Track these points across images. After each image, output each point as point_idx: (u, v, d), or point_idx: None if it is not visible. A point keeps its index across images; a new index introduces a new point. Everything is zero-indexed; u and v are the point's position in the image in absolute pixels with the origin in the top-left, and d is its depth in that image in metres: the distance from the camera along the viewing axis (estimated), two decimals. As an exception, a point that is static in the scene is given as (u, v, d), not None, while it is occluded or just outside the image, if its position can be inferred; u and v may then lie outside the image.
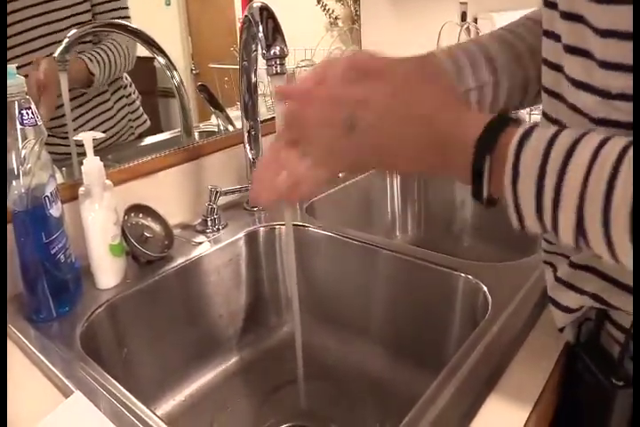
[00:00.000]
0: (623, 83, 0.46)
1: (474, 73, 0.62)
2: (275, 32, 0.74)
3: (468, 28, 1.66)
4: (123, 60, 1.07)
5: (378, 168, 0.54)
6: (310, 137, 0.51)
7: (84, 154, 0.81)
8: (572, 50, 0.51)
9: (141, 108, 1.16)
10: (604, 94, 0.48)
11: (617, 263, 0.43)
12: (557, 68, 0.54)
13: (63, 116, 1.00)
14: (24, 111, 0.69)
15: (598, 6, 0.45)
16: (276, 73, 0.72)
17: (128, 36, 1.06)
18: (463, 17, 1.87)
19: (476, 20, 1.84)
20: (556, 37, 0.54)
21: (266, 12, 0.76)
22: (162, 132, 1.19)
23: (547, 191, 0.43)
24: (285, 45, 0.73)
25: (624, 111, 0.47)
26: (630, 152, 0.40)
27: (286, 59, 0.74)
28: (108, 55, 1.04)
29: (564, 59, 0.52)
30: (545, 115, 0.59)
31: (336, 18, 1.50)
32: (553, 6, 0.53)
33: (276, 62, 0.72)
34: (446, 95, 0.51)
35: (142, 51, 1.08)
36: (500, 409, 0.58)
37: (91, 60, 1.02)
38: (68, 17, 0.98)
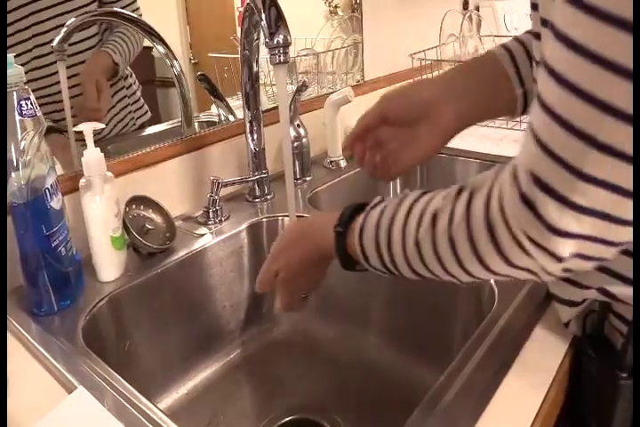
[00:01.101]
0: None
1: (528, 74, 0.67)
2: (278, 20, 0.72)
3: (470, 17, 1.64)
4: (136, 48, 1.08)
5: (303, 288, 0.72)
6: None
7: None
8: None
9: (142, 98, 1.14)
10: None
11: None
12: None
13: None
14: (23, 102, 0.68)
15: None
16: (279, 62, 0.71)
17: (127, 25, 1.05)
18: (465, 5, 1.85)
19: (478, 8, 1.83)
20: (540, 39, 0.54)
21: (268, 0, 0.74)
22: (161, 122, 1.17)
23: (389, 266, 0.57)
24: (289, 33, 0.71)
25: None
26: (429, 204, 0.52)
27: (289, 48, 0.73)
28: (127, 44, 1.05)
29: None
30: None
31: (336, 6, 1.48)
32: (535, 8, 0.54)
33: (279, 51, 0.70)
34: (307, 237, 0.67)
35: (140, 40, 1.07)
36: (509, 403, 0.57)
37: (114, 51, 1.03)
38: (81, 7, 0.96)
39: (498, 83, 0.67)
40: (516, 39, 0.70)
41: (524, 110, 0.68)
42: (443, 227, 0.49)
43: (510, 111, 0.69)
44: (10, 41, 0.90)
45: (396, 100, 0.68)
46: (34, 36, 0.93)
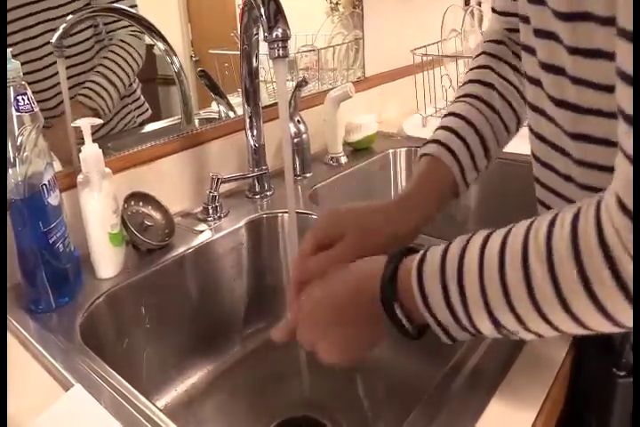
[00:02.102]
0: (592, 100, 0.48)
1: (474, 165, 0.68)
2: (277, 14, 0.71)
3: (471, 12, 1.63)
4: (128, 71, 1.06)
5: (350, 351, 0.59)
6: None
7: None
8: (547, 67, 0.52)
9: (142, 96, 1.14)
10: (577, 109, 0.50)
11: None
12: (537, 82, 0.56)
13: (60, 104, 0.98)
14: (20, 97, 0.67)
15: (565, 24, 0.47)
16: (279, 56, 0.70)
17: (127, 21, 1.04)
18: (467, 0, 1.84)
19: (479, 4, 1.81)
20: (532, 52, 0.55)
21: (268, -6, 0.73)
22: (162, 119, 1.17)
23: (457, 308, 0.47)
24: (288, 27, 0.71)
25: (595, 126, 0.49)
26: (513, 233, 0.44)
27: (289, 42, 0.72)
28: (109, 80, 1.02)
29: (541, 75, 0.54)
30: (530, 129, 0.62)
31: (337, 3, 1.47)
32: (527, 21, 0.55)
33: (278, 45, 0.69)
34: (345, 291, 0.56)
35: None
36: (510, 402, 0.56)
37: (90, 97, 1.00)
38: (68, 3, 0.95)
39: (445, 188, 0.68)
40: (455, 115, 0.70)
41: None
42: (539, 262, 0.41)
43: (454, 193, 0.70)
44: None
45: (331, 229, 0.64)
46: (22, 29, 0.92)
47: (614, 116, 0.45)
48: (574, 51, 0.47)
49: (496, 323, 0.45)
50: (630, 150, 0.36)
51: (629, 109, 0.36)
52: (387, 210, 0.65)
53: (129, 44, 1.05)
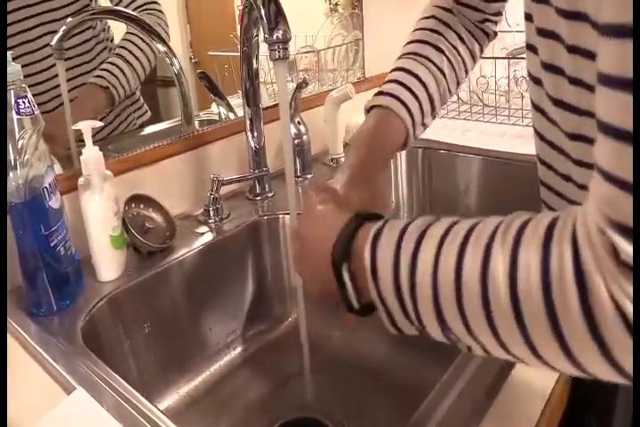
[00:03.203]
0: (587, 100, 0.47)
1: (423, 125, 0.71)
2: (277, 15, 0.71)
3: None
4: (145, 66, 1.06)
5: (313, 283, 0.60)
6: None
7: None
8: (548, 67, 0.52)
9: (141, 98, 1.14)
10: (574, 110, 0.49)
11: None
12: (538, 82, 0.56)
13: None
14: (20, 100, 0.67)
15: (566, 22, 0.46)
16: (279, 58, 0.70)
17: (125, 23, 1.04)
18: (466, 1, 1.84)
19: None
20: (535, 51, 0.55)
21: (268, -5, 0.73)
22: (161, 121, 1.17)
23: (404, 291, 0.42)
24: (288, 29, 0.70)
25: (591, 127, 0.47)
26: (476, 232, 0.38)
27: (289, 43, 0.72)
28: (124, 70, 1.03)
29: (542, 75, 0.54)
30: (535, 130, 0.61)
31: (336, 4, 1.47)
32: (530, 19, 0.54)
33: (278, 46, 0.69)
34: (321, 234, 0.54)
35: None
36: (512, 405, 0.56)
37: (105, 78, 1.01)
38: (67, 5, 0.95)
39: (397, 135, 0.69)
40: (402, 70, 0.72)
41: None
42: (502, 289, 0.35)
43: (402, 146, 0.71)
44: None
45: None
46: (20, 32, 0.92)
47: None
48: (573, 49, 0.47)
49: (446, 329, 0.41)
50: (605, 165, 0.32)
51: (606, 117, 0.32)
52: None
53: (145, 45, 1.06)
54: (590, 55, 0.45)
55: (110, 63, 1.02)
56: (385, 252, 0.44)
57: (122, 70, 1.03)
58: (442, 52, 0.72)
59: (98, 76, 1.01)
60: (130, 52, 1.05)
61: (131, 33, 1.06)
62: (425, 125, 0.72)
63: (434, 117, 0.73)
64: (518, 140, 1.27)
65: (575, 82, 0.48)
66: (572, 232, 0.33)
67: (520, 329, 0.35)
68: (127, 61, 1.03)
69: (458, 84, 0.75)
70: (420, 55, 0.72)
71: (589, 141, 0.49)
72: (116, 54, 1.04)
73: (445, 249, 0.39)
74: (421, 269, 0.41)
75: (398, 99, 0.68)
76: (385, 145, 0.69)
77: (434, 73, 0.71)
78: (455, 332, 0.40)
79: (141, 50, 1.05)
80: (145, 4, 1.04)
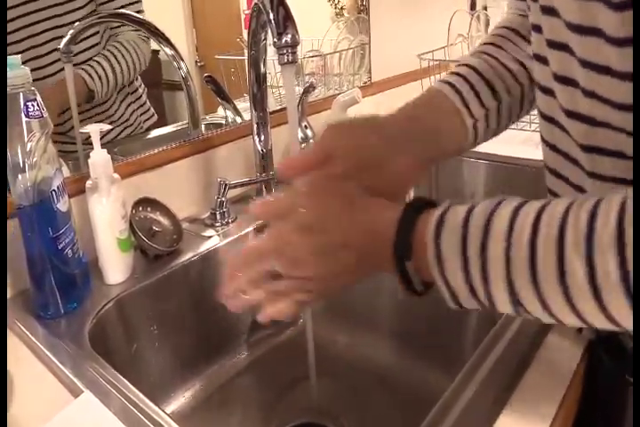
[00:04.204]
0: (604, 113, 0.47)
1: (479, 102, 0.64)
2: (286, 19, 0.71)
3: (478, 17, 1.63)
4: (130, 65, 1.05)
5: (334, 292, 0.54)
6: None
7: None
8: (560, 79, 0.52)
9: (148, 101, 1.14)
10: (591, 122, 0.49)
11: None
12: (549, 92, 0.55)
13: (70, 119, 0.98)
14: (29, 103, 0.67)
15: (578, 37, 0.46)
16: (288, 62, 0.70)
17: (134, 27, 1.04)
18: (473, 5, 1.84)
19: (485, 8, 1.82)
20: (545, 62, 0.54)
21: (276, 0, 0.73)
22: (168, 125, 1.17)
23: (474, 276, 0.43)
24: (297, 33, 0.71)
25: (606, 139, 0.48)
26: (547, 214, 0.40)
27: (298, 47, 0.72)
28: (111, 65, 1.02)
29: (554, 86, 0.53)
30: (543, 139, 0.60)
31: (342, 8, 1.47)
32: (539, 30, 0.54)
33: (287, 51, 0.70)
34: (355, 208, 0.51)
35: (146, 43, 1.07)
36: (523, 411, 0.56)
37: (91, 75, 0.99)
38: (74, 10, 0.96)
39: (447, 120, 0.64)
40: (464, 65, 0.68)
41: (475, 142, 0.66)
42: (577, 253, 0.38)
43: (462, 147, 0.66)
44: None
45: (345, 140, 0.58)
46: (28, 37, 0.92)
47: (625, 131, 0.45)
48: (586, 64, 0.47)
49: (516, 302, 0.43)
50: None
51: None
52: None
53: (135, 44, 1.05)
54: (604, 70, 0.45)
55: (96, 61, 1.02)
56: (450, 241, 0.44)
57: (104, 70, 1.02)
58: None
59: (83, 70, 1.00)
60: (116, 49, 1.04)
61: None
62: (485, 107, 0.64)
63: (499, 100, 0.65)
64: (526, 145, 1.27)
65: (590, 94, 0.48)
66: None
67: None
68: (111, 65, 1.03)
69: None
70: (485, 53, 0.68)
71: (604, 153, 0.49)
72: (102, 55, 1.03)
73: (517, 228, 0.41)
74: (492, 250, 0.42)
75: (444, 81, 0.65)
76: (429, 130, 0.62)
77: (494, 66, 0.66)
78: (525, 303, 0.42)
79: (126, 49, 1.05)
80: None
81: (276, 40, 0.71)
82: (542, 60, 0.55)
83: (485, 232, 0.42)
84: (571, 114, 0.51)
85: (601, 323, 0.40)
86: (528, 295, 0.41)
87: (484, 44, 0.70)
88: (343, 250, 0.48)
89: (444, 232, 0.44)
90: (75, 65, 0.96)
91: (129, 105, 1.09)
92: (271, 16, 0.72)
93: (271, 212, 0.53)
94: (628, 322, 0.39)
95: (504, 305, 0.44)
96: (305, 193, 0.52)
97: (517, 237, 0.41)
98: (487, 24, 1.73)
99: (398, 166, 0.57)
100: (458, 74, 0.66)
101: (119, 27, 1.05)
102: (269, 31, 0.74)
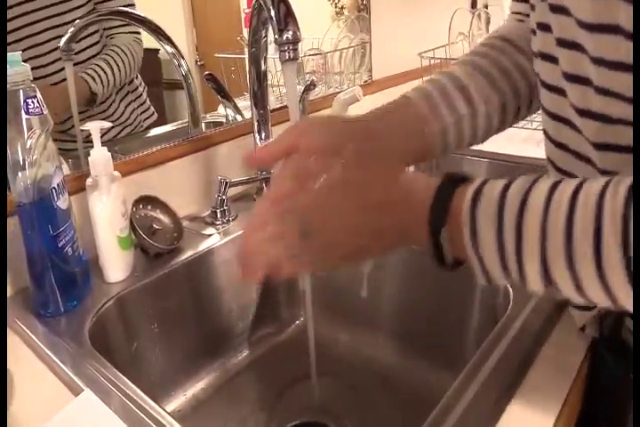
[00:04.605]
0: (620, 110, 0.46)
1: (449, 108, 0.62)
2: (287, 16, 0.71)
3: (479, 15, 1.63)
4: (127, 68, 1.05)
5: (346, 261, 0.52)
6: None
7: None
8: (571, 78, 0.51)
9: (148, 99, 1.14)
10: (605, 119, 0.48)
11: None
12: (558, 91, 0.54)
13: (69, 118, 0.97)
14: (29, 100, 0.67)
15: (591, 35, 0.46)
16: (289, 59, 0.70)
17: (134, 24, 1.04)
18: (474, 4, 1.84)
19: (486, 6, 1.81)
20: (554, 60, 0.53)
21: (278, -4, 0.73)
22: (167, 124, 1.17)
23: (508, 249, 0.43)
24: (298, 29, 0.70)
25: (620, 135, 0.48)
26: (585, 190, 0.41)
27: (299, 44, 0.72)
28: (111, 68, 1.02)
29: (564, 85, 0.53)
30: (548, 136, 0.59)
31: (342, 7, 1.47)
32: (547, 29, 0.53)
33: (288, 47, 0.69)
34: (388, 174, 0.50)
35: (147, 43, 1.06)
36: (527, 410, 0.55)
37: (93, 78, 1.00)
38: (74, 9, 0.95)
39: (413, 126, 0.62)
40: (445, 73, 0.66)
41: (446, 149, 0.64)
42: (613, 230, 0.39)
43: (425, 155, 0.64)
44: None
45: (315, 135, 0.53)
46: (29, 36, 0.92)
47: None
48: (599, 61, 0.46)
49: (548, 279, 0.43)
50: None
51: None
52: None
53: (130, 45, 1.05)
54: (621, 66, 0.44)
55: (96, 64, 1.02)
56: (485, 213, 0.44)
57: (105, 73, 1.02)
58: (495, 61, 0.66)
59: (87, 74, 1.00)
60: (117, 56, 1.04)
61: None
62: (456, 111, 0.62)
63: (473, 106, 0.63)
64: (527, 143, 1.27)
65: (603, 92, 0.47)
66: None
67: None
68: (111, 67, 1.03)
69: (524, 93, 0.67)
70: (465, 62, 0.67)
71: (618, 150, 0.49)
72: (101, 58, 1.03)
73: (554, 204, 0.41)
74: (528, 224, 0.42)
75: (416, 88, 0.64)
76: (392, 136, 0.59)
77: (470, 72, 0.65)
78: (557, 280, 0.42)
79: (124, 53, 1.05)
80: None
81: (277, 37, 0.70)
82: (550, 58, 0.54)
83: (522, 207, 0.42)
84: (583, 112, 0.51)
85: (629, 302, 0.41)
86: (561, 270, 0.41)
87: (470, 53, 0.70)
88: (383, 208, 0.48)
89: (480, 205, 0.44)
90: (75, 64, 0.96)
91: (129, 104, 1.09)
92: (272, 13, 0.72)
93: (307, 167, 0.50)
94: None
95: (535, 280, 0.44)
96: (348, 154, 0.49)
97: (554, 213, 0.41)
98: (488, 22, 1.72)
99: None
100: (431, 80, 0.66)
101: (113, 28, 1.04)
102: (270, 29, 0.74)
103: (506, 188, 0.44)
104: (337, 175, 0.48)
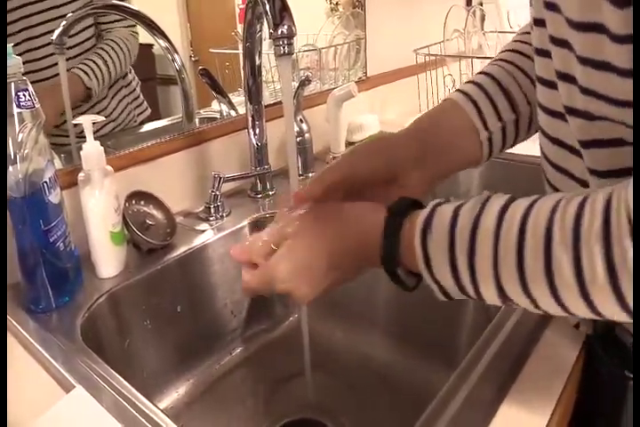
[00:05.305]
0: (600, 108, 0.47)
1: (496, 114, 0.65)
2: (282, 10, 0.70)
3: (474, 12, 1.63)
4: (122, 63, 1.04)
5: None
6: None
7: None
8: (560, 75, 0.52)
9: (141, 94, 1.13)
10: (588, 117, 0.49)
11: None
12: (553, 86, 0.54)
13: (63, 112, 0.96)
14: (21, 93, 0.66)
15: (578, 34, 0.46)
16: (284, 53, 0.69)
17: (128, 18, 1.03)
18: (469, 1, 1.84)
19: (481, 4, 1.81)
20: (549, 56, 0.54)
21: (273, -10, 0.72)
22: (161, 119, 1.16)
23: (462, 275, 0.45)
24: (294, 24, 0.69)
25: (606, 131, 0.48)
26: (536, 208, 0.42)
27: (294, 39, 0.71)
28: (106, 63, 1.01)
29: (557, 81, 0.53)
30: (543, 132, 0.59)
31: (337, 3, 1.47)
32: (542, 25, 0.53)
33: (283, 42, 0.68)
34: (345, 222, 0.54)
35: (141, 37, 1.05)
36: (521, 407, 0.55)
37: (87, 73, 0.99)
38: (70, 2, 0.94)
39: (461, 134, 0.65)
40: (484, 73, 0.68)
41: (489, 155, 0.67)
42: (564, 248, 0.40)
43: (475, 161, 0.67)
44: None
45: (363, 159, 0.61)
46: (24, 29, 0.91)
47: (624, 123, 0.45)
48: (585, 61, 0.46)
49: (504, 297, 0.45)
50: None
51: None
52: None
53: (126, 39, 1.04)
54: (605, 67, 0.44)
55: (90, 59, 1.01)
56: (437, 243, 0.46)
57: (100, 69, 1.01)
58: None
59: (80, 70, 0.99)
60: (111, 50, 1.03)
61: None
62: (502, 119, 0.64)
63: (517, 114, 0.65)
64: (525, 143, 1.26)
65: (586, 92, 0.47)
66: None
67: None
68: (105, 62, 1.02)
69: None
70: (504, 60, 0.68)
71: (602, 145, 0.49)
72: (95, 53, 1.02)
73: (505, 224, 0.43)
74: (480, 247, 0.44)
75: (462, 92, 0.65)
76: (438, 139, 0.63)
77: (513, 73, 0.66)
78: (512, 297, 0.44)
79: (119, 47, 1.04)
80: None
81: (272, 31, 0.70)
82: (545, 54, 0.54)
83: (473, 231, 0.44)
84: (569, 110, 0.51)
85: (585, 314, 0.42)
86: (515, 290, 0.43)
87: (498, 59, 0.70)
88: (331, 273, 0.54)
89: (431, 236, 0.46)
90: (69, 59, 0.95)
91: (122, 99, 1.08)
92: (267, 7, 0.71)
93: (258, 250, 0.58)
94: (612, 315, 0.41)
95: (492, 298, 0.46)
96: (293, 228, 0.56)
97: (505, 234, 0.42)
98: (483, 19, 1.72)
99: (410, 180, 0.61)
100: (474, 82, 0.67)
101: (109, 23, 1.03)
102: (265, 24, 0.73)
103: (455, 214, 0.46)
104: (300, 235, 0.54)
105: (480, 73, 0.69)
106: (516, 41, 0.71)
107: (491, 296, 0.45)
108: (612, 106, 0.45)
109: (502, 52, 0.71)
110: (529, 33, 0.69)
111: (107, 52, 1.01)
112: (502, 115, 0.65)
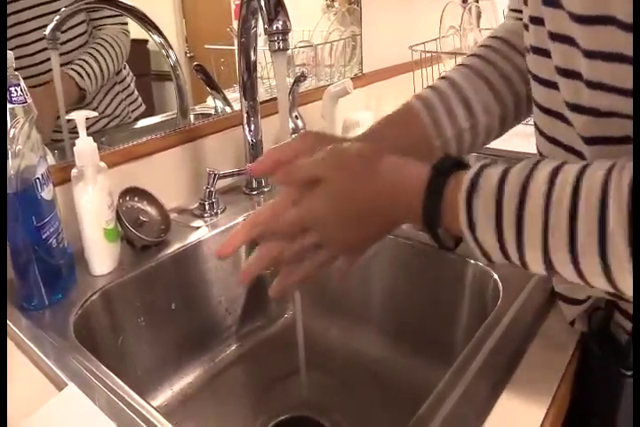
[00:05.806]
0: (609, 102, 0.46)
1: (451, 122, 0.64)
2: (277, 6, 0.70)
3: (470, 9, 1.62)
4: (114, 62, 1.04)
5: (358, 252, 0.57)
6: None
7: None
8: (563, 72, 0.51)
9: (136, 90, 1.12)
10: (594, 113, 0.48)
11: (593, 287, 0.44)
12: (551, 85, 0.54)
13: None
14: (12, 88, 0.65)
15: (583, 27, 0.45)
16: (279, 49, 0.69)
17: (122, 13, 1.02)
18: (465, -3, 1.83)
19: (477, 1, 1.81)
20: (547, 54, 0.53)
21: (267, -15, 0.72)
22: (155, 115, 1.15)
23: (508, 240, 0.44)
24: (288, 19, 0.69)
25: (612, 128, 0.48)
26: (586, 175, 0.40)
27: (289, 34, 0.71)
28: (98, 62, 1.00)
29: (557, 79, 0.52)
30: (540, 131, 0.59)
31: (333, 0, 1.46)
32: (540, 23, 0.53)
33: (278, 37, 0.68)
34: (368, 168, 0.51)
35: (135, 33, 1.05)
36: (516, 404, 0.55)
37: (80, 74, 0.98)
38: None
39: (415, 140, 0.65)
40: (445, 78, 0.68)
41: None
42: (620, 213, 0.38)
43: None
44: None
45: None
46: (15, 24, 0.90)
47: (630, 117, 0.44)
48: (592, 54, 0.46)
49: (549, 265, 0.43)
50: None
51: None
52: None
53: (118, 37, 1.04)
54: (615, 58, 0.44)
55: (82, 60, 1.00)
56: (483, 207, 0.44)
57: (92, 68, 1.01)
58: (493, 64, 0.67)
59: (73, 70, 0.98)
60: (103, 49, 1.02)
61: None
62: (457, 126, 0.64)
63: (474, 122, 0.65)
64: (518, 138, 1.26)
65: (594, 86, 0.47)
66: None
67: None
68: (98, 62, 1.01)
69: (518, 97, 0.68)
70: (465, 65, 0.68)
71: (610, 142, 0.48)
72: (87, 53, 1.01)
73: (557, 188, 0.41)
74: (530, 218, 0.42)
75: (418, 96, 0.65)
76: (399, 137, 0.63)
77: (471, 79, 0.66)
78: (557, 264, 0.43)
79: (111, 45, 1.03)
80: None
81: (266, 26, 0.69)
82: (543, 52, 0.54)
83: (521, 196, 0.42)
84: (574, 107, 0.51)
85: (628, 287, 0.41)
86: (563, 260, 0.42)
87: (471, 55, 0.70)
88: (372, 219, 0.51)
89: (477, 199, 0.44)
90: (62, 54, 0.94)
91: (116, 95, 1.07)
92: (262, 2, 0.71)
93: (296, 177, 0.55)
94: None
95: (536, 267, 0.44)
96: (324, 163, 0.52)
97: (556, 203, 0.41)
98: (479, 16, 1.72)
99: None
100: (435, 88, 0.66)
101: (100, 19, 1.03)
102: (260, 20, 0.73)
103: (503, 177, 0.44)
104: (320, 190, 0.51)
105: (440, 78, 0.69)
106: (481, 46, 0.71)
107: (535, 264, 0.44)
108: (622, 97, 0.45)
109: (467, 56, 0.71)
110: (497, 37, 0.70)
111: (99, 52, 1.01)
112: (459, 122, 0.65)
